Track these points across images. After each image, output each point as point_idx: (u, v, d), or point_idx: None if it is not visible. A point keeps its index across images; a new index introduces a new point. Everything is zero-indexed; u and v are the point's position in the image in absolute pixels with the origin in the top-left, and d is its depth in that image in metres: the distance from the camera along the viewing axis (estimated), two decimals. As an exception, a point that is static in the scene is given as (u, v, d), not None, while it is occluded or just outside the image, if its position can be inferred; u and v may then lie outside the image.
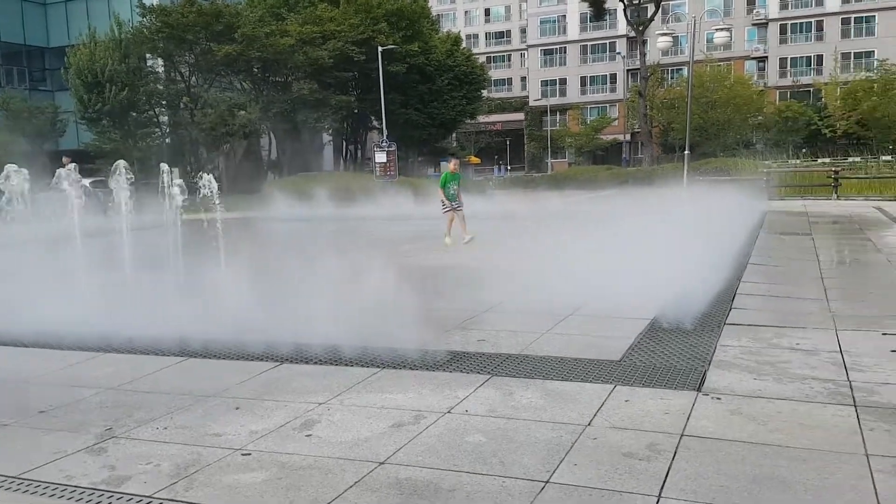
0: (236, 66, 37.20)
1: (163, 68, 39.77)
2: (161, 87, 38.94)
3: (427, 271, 9.79)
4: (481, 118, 62.19)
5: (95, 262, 10.79)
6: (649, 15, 45.47)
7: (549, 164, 65.44)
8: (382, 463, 3.53)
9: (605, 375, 4.73)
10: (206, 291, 7.64)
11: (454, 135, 62.17)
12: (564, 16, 73.46)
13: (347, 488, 3.27)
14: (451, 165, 13.47)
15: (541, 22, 74.56)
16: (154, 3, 37.66)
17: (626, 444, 3.58)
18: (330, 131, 46.54)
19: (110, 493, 3.33)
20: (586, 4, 50.39)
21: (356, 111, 41.81)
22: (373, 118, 45.83)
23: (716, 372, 4.68)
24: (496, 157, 76.06)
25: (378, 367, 5.25)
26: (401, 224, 18.21)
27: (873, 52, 61.60)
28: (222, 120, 34.89)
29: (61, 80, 42.48)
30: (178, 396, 4.79)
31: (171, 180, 13.79)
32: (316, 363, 5.45)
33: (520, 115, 76.19)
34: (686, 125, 29.00)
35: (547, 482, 3.21)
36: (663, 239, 9.01)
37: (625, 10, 46.33)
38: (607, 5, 47.71)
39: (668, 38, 26.36)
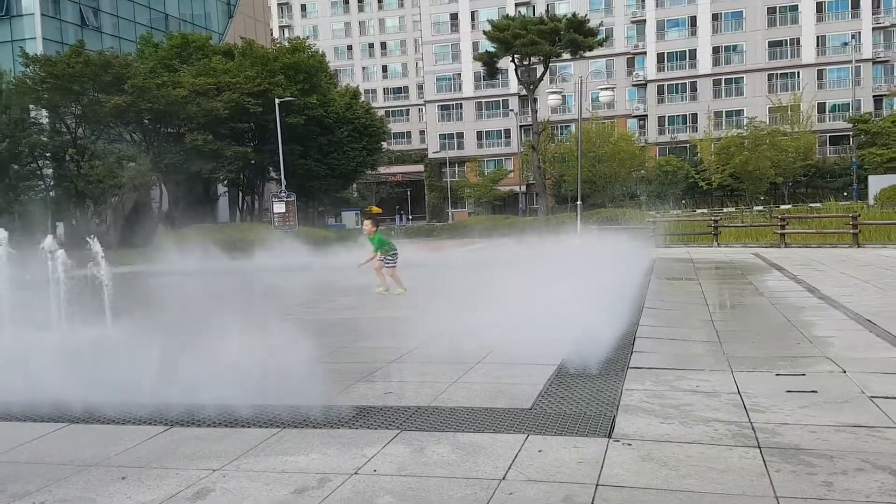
0: (126, 117, 35.98)
1: (47, 119, 37.96)
2: (45, 139, 37.10)
3: (327, 324, 9.52)
4: (382, 169, 62.64)
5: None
6: (538, 75, 47.49)
7: (449, 213, 66.38)
8: (286, 532, 3.28)
9: (518, 424, 4.64)
10: (90, 352, 7.12)
11: (355, 185, 62.17)
12: (459, 74, 75.71)
13: (248, 562, 3.00)
14: (371, 227, 13.44)
15: (437, 79, 76.47)
16: (38, 53, 36.10)
17: (542, 498, 3.48)
18: (225, 182, 45.53)
19: (-30, 586, 2.91)
20: (480, 64, 52.19)
21: (253, 162, 41.13)
22: (271, 169, 45.21)
23: (624, 417, 4.68)
24: (397, 206, 76.58)
25: (278, 426, 4.96)
26: (299, 275, 17.78)
27: (742, 110, 66.59)
28: (111, 172, 33.47)
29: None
30: (58, 467, 4.35)
31: (55, 239, 12.97)
32: (209, 426, 5.10)
33: (419, 167, 77.28)
34: (576, 178, 30.15)
35: (463, 542, 3.05)
36: (562, 285, 9.14)
37: (516, 71, 48.22)
38: (499, 65, 49.51)
39: (558, 96, 27.52)
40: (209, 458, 4.39)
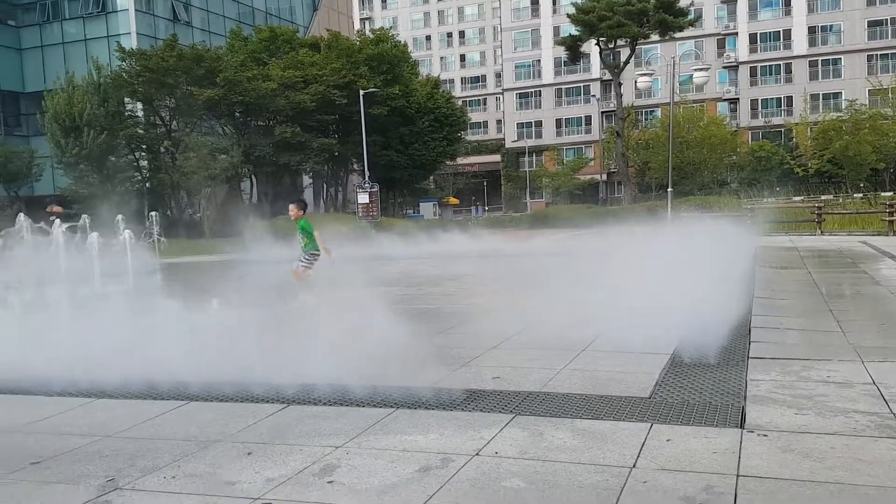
0: (218, 110, 37.14)
1: (143, 112, 39.57)
2: (141, 131, 38.69)
3: (423, 310, 9.55)
4: (459, 160, 62.66)
5: (82, 304, 10.43)
6: (623, 59, 46.38)
7: (527, 203, 65.82)
8: (417, 511, 3.25)
9: (638, 413, 4.50)
10: (202, 333, 7.34)
11: (432, 177, 62.49)
12: (539, 60, 74.79)
13: (384, 540, 2.99)
14: (296, 211, 10.87)
15: (516, 66, 75.81)
16: (133, 48, 37.61)
17: (681, 487, 3.33)
18: (311, 174, 46.47)
19: (121, 552, 3.00)
20: (561, 49, 51.41)
21: (337, 153, 41.83)
22: (354, 160, 45.88)
23: (754, 407, 4.46)
24: (473, 197, 76.55)
25: (391, 406, 4.97)
26: (388, 264, 17.96)
27: (840, 93, 63.29)
28: (204, 164, 34.64)
29: (37, 124, 42.12)
30: (183, 442, 4.47)
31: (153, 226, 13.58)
32: (325, 404, 5.16)
33: (496, 157, 76.93)
34: (662, 165, 29.34)
35: (605, 529, 2.96)
36: (663, 273, 8.87)
37: (600, 54, 47.23)
38: (582, 49, 48.62)
39: (648, 79, 26.76)
40: (330, 435, 4.43)
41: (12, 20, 50.39)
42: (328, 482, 3.68)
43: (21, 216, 11.49)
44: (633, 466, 3.63)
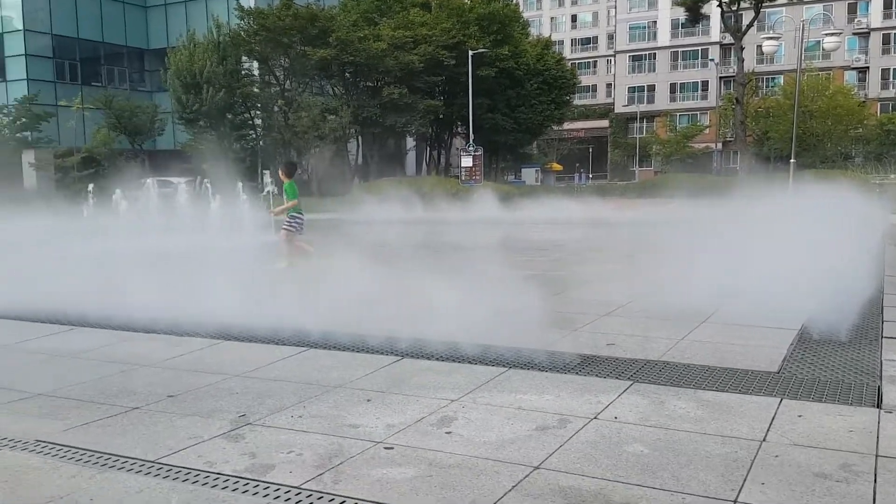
0: (329, 70, 37.80)
1: (258, 71, 40.79)
2: (256, 90, 39.93)
3: (533, 273, 9.48)
4: (565, 125, 61.41)
5: (206, 255, 10.99)
6: (746, 22, 43.90)
7: (635, 171, 63.96)
8: (537, 467, 3.26)
9: (766, 387, 4.32)
10: (321, 285, 7.60)
11: (535, 142, 61.56)
12: (655, 21, 71.87)
13: (506, 493, 3.01)
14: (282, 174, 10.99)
15: (630, 28, 73.18)
16: (251, 6, 38.68)
17: (815, 464, 3.19)
18: (415, 136, 46.80)
19: (256, 482, 3.17)
20: (680, 10, 49.15)
21: (442, 116, 41.87)
22: (458, 123, 45.83)
23: (892, 388, 4.20)
24: (577, 164, 75.02)
25: (504, 366, 4.99)
26: (494, 228, 17.95)
27: None
28: (314, 124, 35.48)
29: (159, 81, 44.19)
30: (305, 385, 4.66)
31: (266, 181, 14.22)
32: (437, 359, 5.24)
33: (604, 122, 74.93)
34: (784, 133, 27.75)
35: (735, 501, 2.87)
36: (787, 247, 8.42)
37: (722, 16, 44.91)
38: (703, 11, 46.33)
39: (774, 43, 25.22)
40: (444, 389, 4.50)
41: (139, -23, 52.80)
42: (446, 432, 3.74)
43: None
44: (764, 440, 3.50)
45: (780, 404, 4.00)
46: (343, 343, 5.71)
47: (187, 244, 12.88)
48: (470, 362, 5.13)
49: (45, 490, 3.12)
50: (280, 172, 11.09)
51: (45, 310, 6.97)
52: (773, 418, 3.79)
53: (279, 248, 11.13)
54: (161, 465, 3.38)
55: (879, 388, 4.20)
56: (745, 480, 3.05)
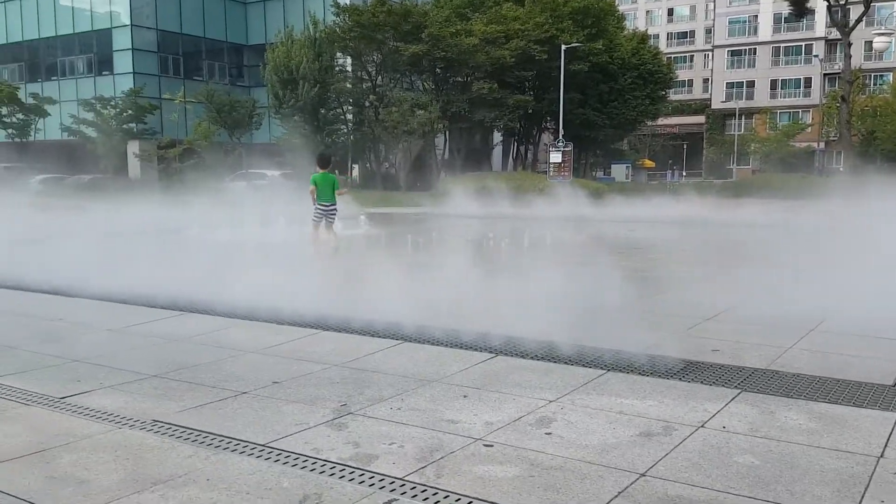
0: (420, 65, 38.10)
1: (351, 67, 41.54)
2: (349, 86, 40.69)
3: (632, 275, 9.30)
4: (658, 121, 59.85)
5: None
6: (854, 16, 41.57)
7: (732, 170, 61.75)
8: (643, 475, 3.19)
9: (882, 401, 4.10)
10: (410, 279, 7.68)
11: (626, 138, 60.22)
12: (756, 16, 69.12)
13: (612, 499, 2.97)
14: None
15: (730, 22, 70.61)
16: (347, 3, 39.42)
17: (945, 487, 3.00)
18: (501, 132, 46.62)
19: (361, 471, 3.24)
20: (783, 4, 47.08)
21: (531, 111, 41.53)
22: (547, 118, 45.36)
23: None
24: (670, 161, 73.00)
25: (602, 368, 4.91)
26: (584, 225, 17.71)
27: None
28: (404, 119, 35.87)
29: (257, 76, 45.63)
30: (402, 378, 4.72)
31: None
32: (532, 358, 5.21)
33: (699, 118, 72.65)
34: (893, 133, 26.04)
35: (856, 520, 2.73)
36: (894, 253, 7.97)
37: (828, 11, 42.71)
38: (808, 4, 44.18)
39: (886, 39, 23.79)
40: (541, 388, 4.47)
41: (238, -26, 54.70)
42: (546, 433, 3.71)
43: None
44: (881, 456, 3.33)
45: (900, 421, 3.78)
46: (436, 338, 5.75)
47: (282, 235, 13.30)
48: (566, 363, 5.08)
49: (165, 469, 3.28)
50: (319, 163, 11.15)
51: (158, 295, 7.32)
52: (890, 434, 3.59)
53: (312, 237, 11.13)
54: (271, 450, 3.50)
55: None
56: (862, 497, 2.91)
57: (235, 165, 40.49)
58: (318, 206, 10.68)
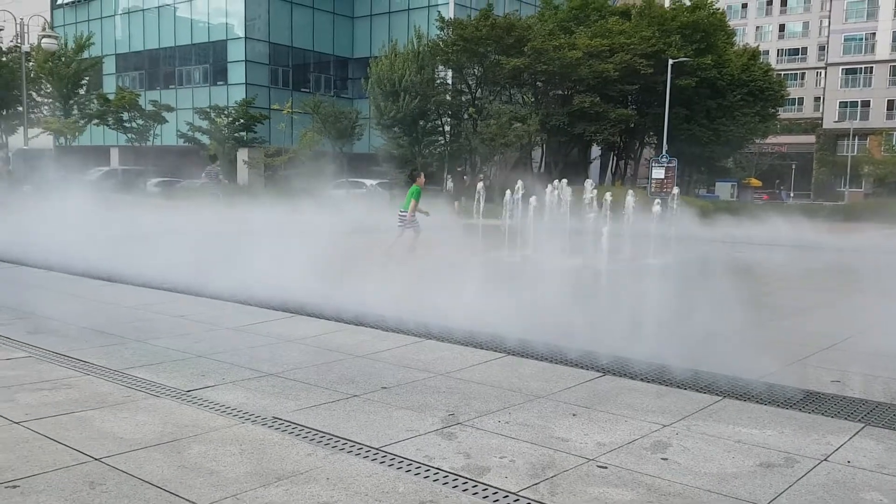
0: (521, 78, 38.13)
1: (452, 80, 42.01)
2: (449, 98, 41.15)
3: (747, 299, 8.96)
4: (767, 139, 57.58)
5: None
6: None
7: (844, 192, 58.65)
8: (766, 507, 3.08)
9: None
10: (516, 291, 7.68)
11: (731, 156, 58.19)
12: (874, 33, 65.60)
13: (733, 529, 2.87)
14: (421, 179, 13.01)
15: (845, 39, 67.29)
16: (452, 17, 39.93)
17: None
18: (600, 145, 45.97)
19: (475, 483, 3.26)
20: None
21: (633, 125, 40.78)
22: (650, 132, 44.42)
23: None
24: (777, 181, 70.10)
25: (717, 394, 4.76)
26: (694, 245, 17.18)
27: None
28: (502, 131, 35.94)
29: (360, 88, 46.81)
30: (508, 392, 4.73)
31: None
32: (641, 379, 5.11)
33: (810, 138, 69.45)
34: None
35: None
36: None
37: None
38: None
39: None
40: (653, 412, 4.38)
41: (348, -10, 56.38)
42: (662, 458, 3.64)
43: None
44: None
45: None
46: (540, 352, 5.73)
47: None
48: (678, 386, 4.96)
49: (287, 465, 3.41)
50: (422, 181, 12.99)
51: (273, 297, 7.61)
52: None
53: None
54: (385, 454, 3.58)
55: None
56: None
57: (337, 174, 41.63)
58: (401, 214, 12.42)
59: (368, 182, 39.48)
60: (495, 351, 5.84)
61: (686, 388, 4.89)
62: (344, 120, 44.06)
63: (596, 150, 48.95)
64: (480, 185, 16.90)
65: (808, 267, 12.73)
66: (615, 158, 47.90)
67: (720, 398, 4.67)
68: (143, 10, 56.51)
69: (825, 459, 3.63)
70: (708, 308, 6.60)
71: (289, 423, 3.97)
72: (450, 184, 46.48)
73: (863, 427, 4.12)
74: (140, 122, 47.29)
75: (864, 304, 8.20)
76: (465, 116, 41.17)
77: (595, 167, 51.68)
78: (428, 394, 4.65)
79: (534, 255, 12.58)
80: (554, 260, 10.36)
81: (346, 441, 3.72)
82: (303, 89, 53.73)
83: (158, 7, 55.58)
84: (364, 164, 45.65)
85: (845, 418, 4.28)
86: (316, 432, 3.83)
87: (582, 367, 5.39)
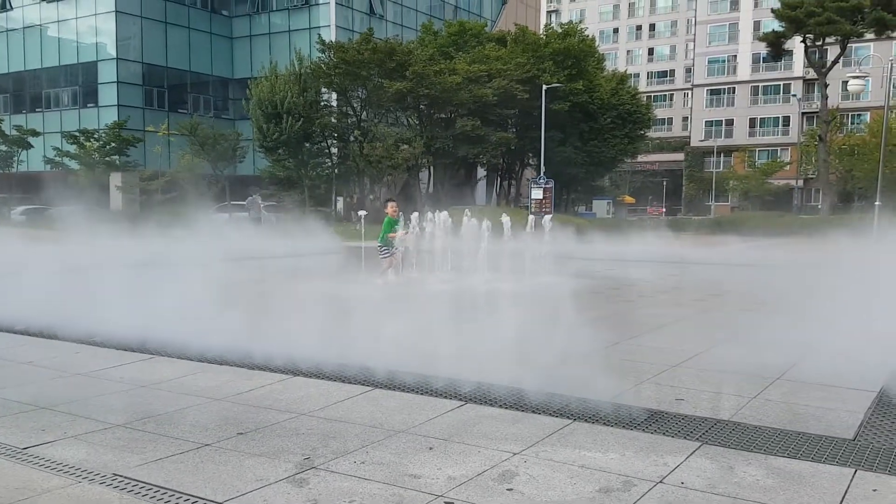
0: (405, 102, 38.54)
1: (336, 102, 41.91)
2: (334, 120, 41.02)
3: (604, 317, 9.37)
4: (639, 158, 60.77)
5: (263, 281, 11.29)
6: (831, 57, 42.66)
7: (711, 206, 62.57)
8: (599, 533, 3.21)
9: (840, 456, 4.15)
10: (390, 318, 7.69)
11: (607, 174, 61.05)
12: (735, 56, 70.73)
13: (566, 559, 2.98)
14: (389, 209, 12.94)
15: (709, 62, 72.19)
16: (332, 40, 39.87)
17: (893, 549, 3.05)
18: (485, 167, 47.10)
19: (318, 532, 3.23)
20: (760, 45, 48.19)
21: (513, 147, 42.06)
22: (530, 154, 45.92)
23: (982, 466, 3.98)
24: (650, 197, 74.04)
25: (569, 418, 4.94)
26: (564, 264, 17.77)
27: None
28: (388, 154, 36.17)
29: (242, 109, 45.89)
30: (369, 429, 4.72)
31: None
32: (501, 406, 5.23)
33: (679, 156, 73.81)
34: (870, 173, 26.70)
35: (804, 585, 2.76)
36: (869, 299, 8.10)
37: (805, 52, 43.79)
38: (786, 46, 45.33)
39: (861, 81, 24.42)
40: (507, 440, 4.49)
41: (226, 10, 55.24)
42: (507, 489, 3.73)
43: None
44: (836, 518, 3.37)
45: (853, 476, 3.84)
46: (408, 384, 5.76)
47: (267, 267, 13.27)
48: (534, 411, 5.10)
49: (121, 527, 3.26)
50: (391, 211, 12.99)
51: (131, 337, 7.27)
52: (846, 491, 3.65)
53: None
54: (229, 508, 3.49)
55: (967, 466, 3.98)
56: (816, 563, 2.94)
57: (218, 197, 40.50)
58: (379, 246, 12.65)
59: (253, 204, 38.43)
60: (364, 384, 5.82)
61: (540, 413, 5.05)
62: (224, 142, 42.99)
63: (482, 172, 50.09)
64: (362, 212, 16.95)
65: (669, 283, 13.45)
66: (499, 179, 49.18)
67: (571, 421, 4.85)
68: (6, 30, 53.23)
69: (661, 481, 3.83)
70: (567, 328, 6.85)
71: (129, 481, 3.79)
72: (340, 205, 46.28)
73: (700, 446, 4.38)
74: (3, 148, 44.36)
75: (716, 319, 8.77)
76: (352, 139, 41.15)
77: (482, 187, 52.82)
78: (286, 437, 4.58)
79: (409, 280, 12.68)
80: (429, 284, 10.51)
81: (188, 497, 3.60)
82: (180, 110, 52.06)
83: (24, 28, 52.52)
84: (249, 186, 44.57)
85: (685, 437, 4.54)
86: (157, 489, 3.69)
87: (446, 397, 5.46)
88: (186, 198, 39.87)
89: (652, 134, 74.89)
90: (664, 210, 66.96)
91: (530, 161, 47.55)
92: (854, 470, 3.94)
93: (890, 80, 24.51)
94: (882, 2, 38.49)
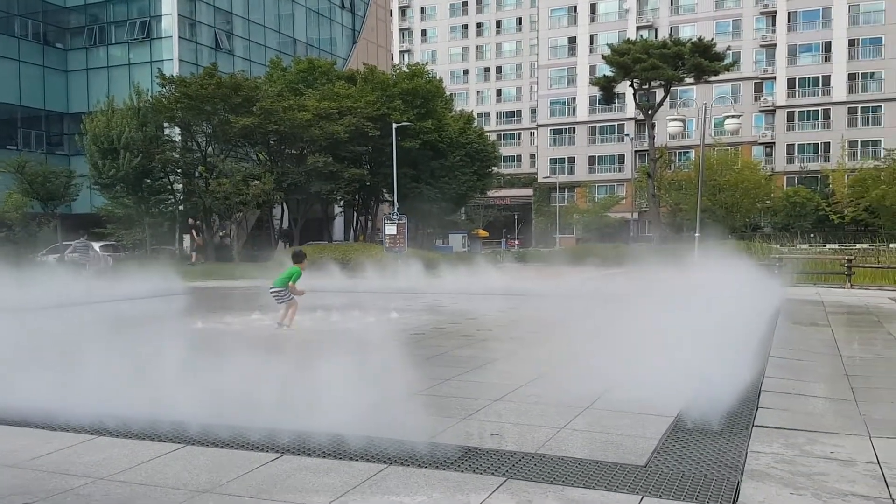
0: (253, 137, 37.84)
1: (180, 137, 40.42)
2: (177, 156, 39.50)
3: (438, 353, 9.49)
4: (491, 192, 62.95)
5: (78, 331, 10.59)
6: (658, 100, 46.37)
7: (556, 239, 65.69)
8: (390, 583, 3.20)
9: (631, 483, 4.40)
10: (208, 371, 7.38)
11: (463, 208, 62.76)
12: (574, 98, 75.26)
13: None
14: (303, 265, 12.92)
15: (551, 103, 76.35)
16: (175, 74, 38.53)
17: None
18: (341, 202, 46.97)
19: None
20: (597, 88, 51.64)
21: (368, 184, 42.29)
22: (384, 191, 46.33)
23: (750, 484, 4.34)
24: (504, 230, 76.66)
25: (384, 462, 4.92)
26: (411, 300, 17.95)
27: (880, 140, 62.47)
28: (237, 190, 35.22)
29: (77, 145, 43.25)
30: (172, 490, 4.48)
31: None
32: (319, 455, 5.13)
33: (528, 191, 77.17)
34: (695, 205, 29.08)
35: None
36: (680, 325, 8.74)
37: (634, 95, 47.29)
38: (617, 90, 48.81)
39: (679, 123, 26.67)
40: (318, 492, 4.40)
41: (60, 43, 52.10)
42: (307, 544, 3.65)
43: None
44: (616, 545, 3.55)
45: (640, 503, 4.07)
46: (223, 438, 5.53)
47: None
48: (351, 458, 5.04)
49: None
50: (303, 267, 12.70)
51: None
52: (630, 520, 3.85)
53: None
54: (-10, 593, 3.17)
55: (738, 485, 4.33)
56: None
57: (50, 238, 37.71)
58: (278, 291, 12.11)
59: (86, 245, 36.11)
60: (175, 442, 5.52)
61: (357, 460, 4.99)
62: (55, 180, 40.19)
63: (338, 208, 49.87)
64: (194, 255, 16.35)
65: (505, 316, 13.88)
66: (356, 215, 49.17)
67: (385, 466, 4.83)
68: None
69: (461, 521, 3.89)
70: (395, 367, 6.86)
71: None
72: (186, 243, 44.33)
73: (504, 481, 4.49)
74: None
75: (542, 353, 9.11)
76: (197, 174, 39.75)
77: (340, 223, 52.53)
78: (77, 505, 4.25)
79: (245, 321, 12.30)
80: (256, 325, 10.22)
81: (-58, 584, 3.24)
82: (9, 146, 48.22)
83: None
84: (85, 225, 41.87)
85: (492, 473, 4.64)
86: None
87: (263, 450, 5.28)
88: (14, 239, 36.88)
89: (503, 170, 78.02)
90: (520, 242, 69.61)
91: (386, 197, 47.97)
92: (641, 497, 4.18)
93: (706, 122, 26.94)
94: (700, 49, 42.43)
